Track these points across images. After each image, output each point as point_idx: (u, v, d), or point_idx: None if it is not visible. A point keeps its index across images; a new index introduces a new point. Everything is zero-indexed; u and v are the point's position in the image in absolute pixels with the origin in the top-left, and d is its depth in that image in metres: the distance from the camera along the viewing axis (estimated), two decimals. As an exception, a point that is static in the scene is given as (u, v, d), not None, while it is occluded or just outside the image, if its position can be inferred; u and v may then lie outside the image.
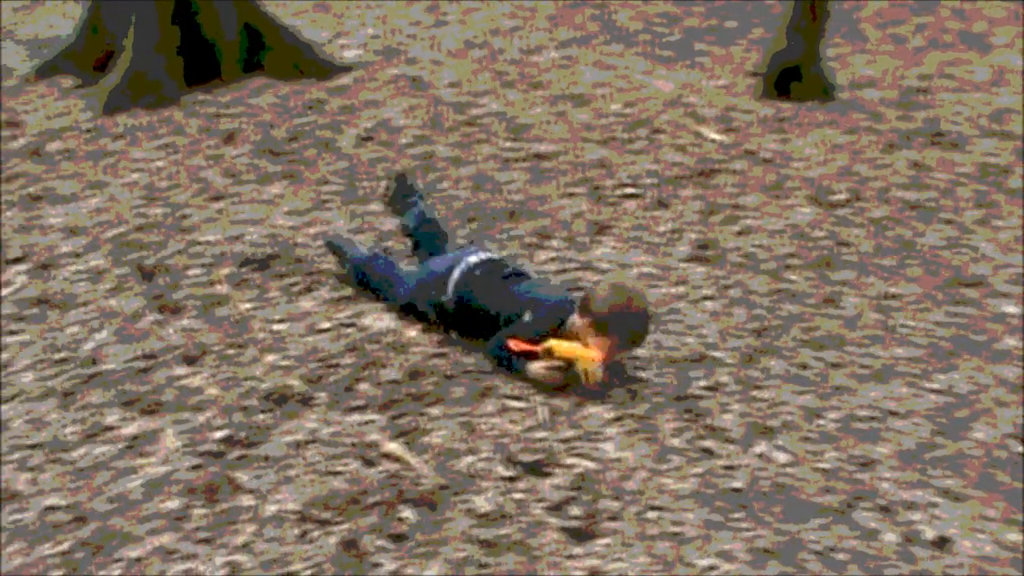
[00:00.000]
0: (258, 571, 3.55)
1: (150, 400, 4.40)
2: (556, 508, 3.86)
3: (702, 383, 4.59)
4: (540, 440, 4.19)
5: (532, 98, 7.64)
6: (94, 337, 4.83)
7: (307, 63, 8.02)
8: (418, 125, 7.12)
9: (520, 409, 4.36)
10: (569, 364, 4.43)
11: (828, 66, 7.98)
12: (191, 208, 6.01)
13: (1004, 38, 9.53)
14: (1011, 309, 5.29)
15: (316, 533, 3.70)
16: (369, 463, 4.04)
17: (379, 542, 3.67)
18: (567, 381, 4.43)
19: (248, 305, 5.06)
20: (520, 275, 4.87)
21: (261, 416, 4.29)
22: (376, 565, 3.58)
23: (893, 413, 4.47)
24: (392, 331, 4.85)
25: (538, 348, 4.46)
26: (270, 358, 4.65)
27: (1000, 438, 4.36)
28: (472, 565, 3.59)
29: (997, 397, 4.62)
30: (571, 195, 6.23)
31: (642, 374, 4.62)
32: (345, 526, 3.73)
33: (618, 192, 6.28)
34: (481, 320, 4.67)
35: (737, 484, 4.02)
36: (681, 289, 5.31)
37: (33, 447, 4.13)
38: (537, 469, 4.04)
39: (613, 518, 3.82)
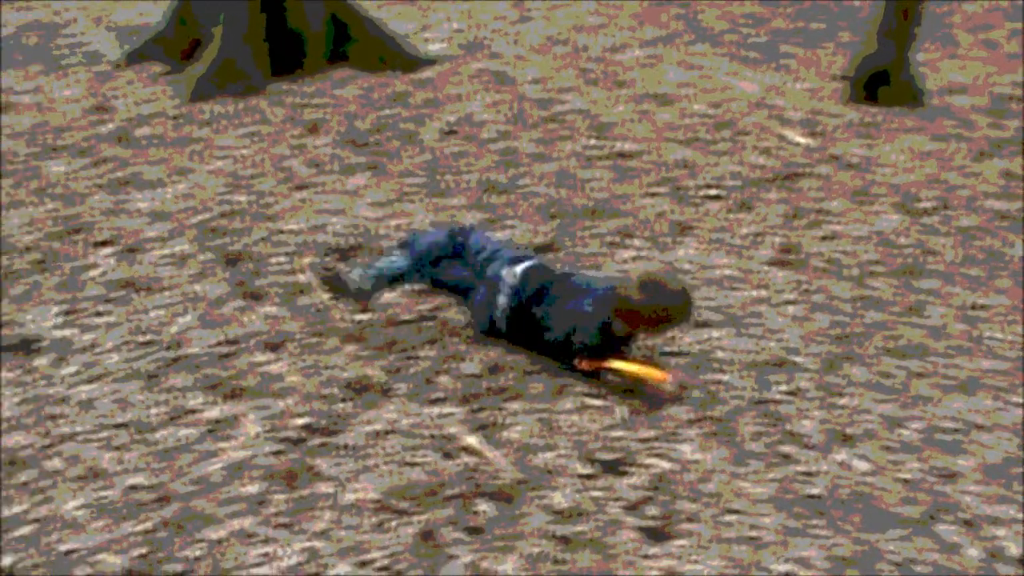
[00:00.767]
0: (335, 558, 3.57)
1: (232, 385, 4.45)
2: (633, 507, 3.85)
3: (782, 388, 4.56)
4: (618, 439, 4.18)
5: (616, 96, 7.62)
6: (178, 321, 4.88)
7: (392, 55, 8.05)
8: (501, 120, 7.13)
9: (599, 408, 4.35)
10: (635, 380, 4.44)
11: (918, 71, 7.88)
12: (275, 196, 6.07)
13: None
14: (1101, 324, 5.20)
15: (393, 523, 3.72)
16: (447, 455, 4.05)
17: (456, 534, 3.68)
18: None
19: (330, 294, 5.08)
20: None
21: (341, 405, 4.32)
22: (452, 557, 3.59)
23: (978, 426, 4.40)
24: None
25: (606, 366, 4.46)
26: (351, 348, 4.68)
27: (1088, 454, 4.29)
28: (548, 561, 3.59)
29: (1085, 413, 4.54)
30: (653, 194, 6.21)
31: (722, 377, 4.59)
32: (422, 517, 3.74)
33: (701, 193, 6.25)
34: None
35: (816, 491, 3.99)
36: (762, 292, 5.27)
37: (118, 427, 4.19)
38: (615, 468, 4.03)
39: (690, 519, 3.81)
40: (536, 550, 3.63)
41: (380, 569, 3.53)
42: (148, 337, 4.77)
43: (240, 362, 4.59)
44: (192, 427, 4.20)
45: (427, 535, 3.66)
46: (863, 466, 4.13)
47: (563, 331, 4.53)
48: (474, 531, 3.70)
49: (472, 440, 4.12)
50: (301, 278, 5.21)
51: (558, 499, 3.86)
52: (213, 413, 4.28)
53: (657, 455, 4.11)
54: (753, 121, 7.29)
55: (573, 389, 4.45)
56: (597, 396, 4.41)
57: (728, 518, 3.82)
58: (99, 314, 4.95)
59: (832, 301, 5.23)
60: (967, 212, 6.20)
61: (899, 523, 3.85)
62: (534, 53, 8.50)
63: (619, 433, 4.21)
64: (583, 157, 6.65)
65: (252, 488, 3.87)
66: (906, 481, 4.06)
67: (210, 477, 3.93)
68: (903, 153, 6.94)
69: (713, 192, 6.27)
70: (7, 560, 3.53)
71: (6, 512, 3.74)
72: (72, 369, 4.55)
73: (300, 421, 4.22)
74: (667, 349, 4.74)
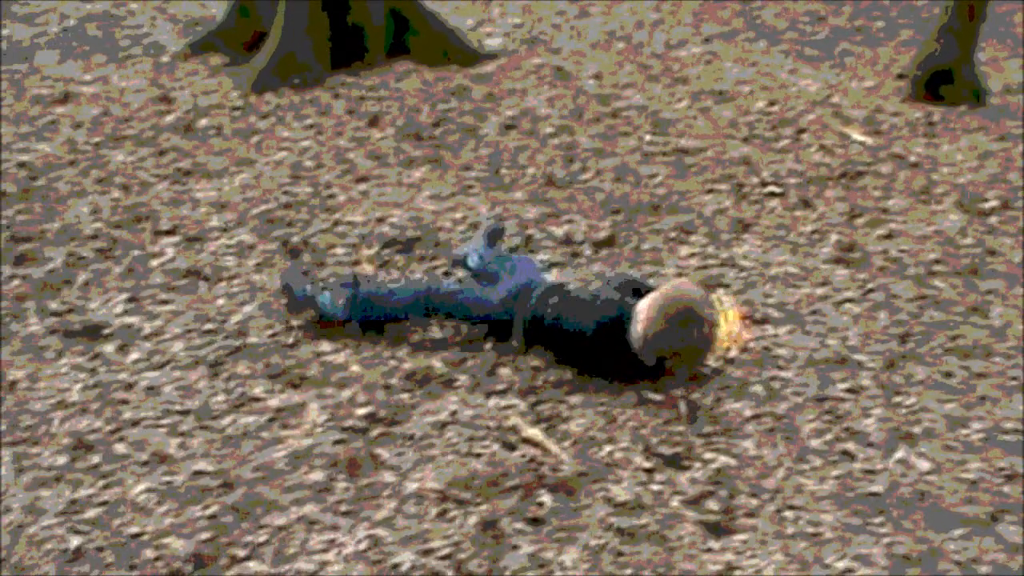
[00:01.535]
0: (397, 546, 3.60)
1: (295, 374, 4.49)
2: (694, 501, 3.85)
3: (843, 385, 4.54)
4: (678, 434, 4.18)
5: (676, 92, 7.61)
6: (242, 310, 4.93)
7: (453, 50, 8.08)
8: (561, 115, 7.14)
9: (658, 402, 4.36)
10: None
11: (981, 71, 7.81)
12: (336, 188, 6.11)
13: None
14: None
15: (455, 512, 3.75)
16: (509, 447, 4.07)
17: (517, 525, 3.70)
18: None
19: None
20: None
21: (403, 395, 4.35)
22: (514, 547, 3.61)
23: (1042, 427, 4.37)
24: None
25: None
26: (413, 339, 4.71)
27: None
28: (609, 553, 3.61)
29: None
30: (714, 191, 6.20)
31: (782, 373, 4.58)
32: (484, 507, 3.77)
33: (761, 190, 6.23)
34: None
35: (876, 488, 3.97)
36: (823, 290, 5.25)
37: (183, 413, 4.24)
38: (675, 462, 4.04)
39: (750, 515, 3.81)
40: (598, 542, 3.64)
41: (442, 558, 3.56)
42: (211, 326, 4.82)
43: (303, 352, 4.63)
44: (256, 415, 4.24)
45: (489, 525, 3.68)
46: (924, 465, 4.10)
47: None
48: (536, 522, 3.72)
49: (533, 432, 4.14)
50: (367, 268, 5.26)
51: (619, 492, 3.87)
52: (276, 401, 4.32)
53: (717, 450, 4.11)
54: (813, 119, 7.26)
55: (633, 384, 4.45)
56: (657, 391, 4.41)
57: (788, 514, 3.82)
58: (163, 302, 5.00)
59: (893, 300, 5.20)
60: (1030, 213, 6.15)
61: (961, 523, 3.82)
62: (594, 49, 8.51)
63: (679, 428, 4.21)
64: (643, 153, 6.65)
65: (315, 476, 3.91)
66: (969, 481, 4.03)
67: (274, 464, 3.97)
68: (965, 152, 6.89)
69: (773, 189, 6.24)
70: (76, 541, 3.59)
71: (75, 494, 3.79)
72: (137, 356, 4.61)
73: (362, 411, 4.25)
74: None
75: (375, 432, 4.14)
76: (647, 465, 4.01)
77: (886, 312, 5.10)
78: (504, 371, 4.50)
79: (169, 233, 5.61)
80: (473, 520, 3.71)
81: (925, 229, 5.89)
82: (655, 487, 3.91)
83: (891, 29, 9.45)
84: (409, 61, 7.98)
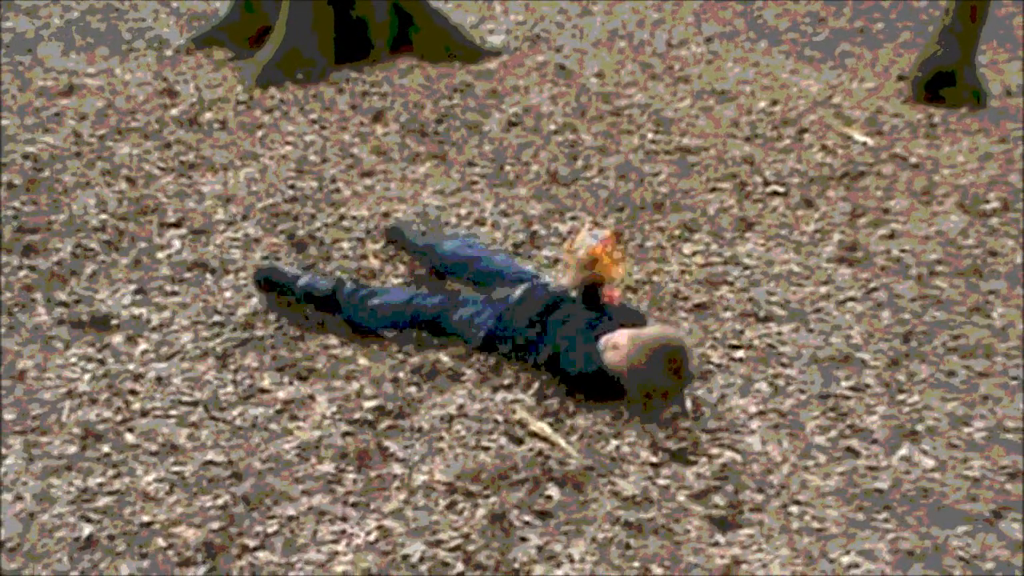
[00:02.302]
0: (407, 537, 3.63)
1: (303, 367, 4.51)
2: (700, 496, 3.88)
3: (847, 383, 4.58)
4: (685, 429, 4.21)
5: (678, 92, 7.64)
6: (249, 303, 4.95)
7: (456, 46, 8.12)
8: (564, 113, 7.17)
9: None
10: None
11: (981, 73, 7.84)
12: (341, 183, 6.13)
13: None
14: None
15: (464, 505, 3.77)
16: (516, 440, 4.10)
17: (526, 517, 3.73)
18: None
19: (397, 280, 5.15)
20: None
21: (411, 389, 4.38)
22: (523, 540, 3.63)
23: (1045, 426, 4.41)
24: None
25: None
26: (420, 333, 4.73)
27: None
28: (617, 546, 3.63)
29: None
30: (716, 190, 6.23)
31: (787, 371, 4.62)
32: (492, 500, 3.79)
33: (764, 189, 6.26)
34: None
35: (881, 485, 4.00)
36: (826, 289, 5.29)
37: (192, 404, 4.26)
38: (682, 457, 4.07)
39: (756, 509, 3.84)
40: (605, 535, 3.67)
41: (452, 549, 3.58)
42: (219, 318, 4.84)
43: (311, 344, 4.66)
44: (264, 407, 4.27)
45: (497, 517, 3.71)
46: (928, 462, 4.14)
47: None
48: (544, 515, 3.75)
49: (541, 426, 4.17)
50: (374, 263, 5.28)
51: (626, 486, 3.89)
52: (284, 393, 4.34)
53: (723, 445, 4.14)
54: (815, 119, 7.29)
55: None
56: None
57: (794, 509, 3.85)
58: (170, 294, 5.02)
59: (896, 299, 5.24)
60: (1031, 214, 6.19)
61: (965, 520, 3.86)
62: (595, 47, 8.54)
63: (685, 423, 4.24)
64: (646, 151, 6.68)
65: (325, 467, 3.93)
66: (972, 478, 4.07)
67: (283, 456, 3.99)
68: (967, 154, 6.93)
69: (776, 189, 6.28)
70: (87, 530, 3.61)
71: (86, 483, 3.82)
72: (145, 347, 4.63)
73: (371, 404, 4.28)
74: (732, 342, 4.78)
75: (383, 425, 4.17)
76: (654, 460, 4.04)
77: (889, 311, 5.13)
78: (511, 366, 4.52)
79: (175, 225, 5.63)
80: (481, 512, 3.74)
81: (927, 230, 5.93)
82: (662, 481, 3.94)
83: (891, 31, 9.51)
84: (412, 57, 8.01)
